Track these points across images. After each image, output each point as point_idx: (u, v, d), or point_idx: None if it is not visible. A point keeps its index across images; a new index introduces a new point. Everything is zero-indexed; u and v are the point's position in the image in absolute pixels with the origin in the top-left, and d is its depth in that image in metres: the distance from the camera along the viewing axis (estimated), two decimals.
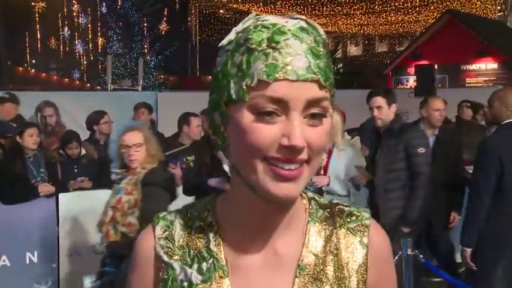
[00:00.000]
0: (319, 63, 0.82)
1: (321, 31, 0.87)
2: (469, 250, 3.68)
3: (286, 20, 0.84)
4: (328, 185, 4.43)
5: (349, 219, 0.97)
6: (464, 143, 5.47)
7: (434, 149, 4.78)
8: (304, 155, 0.82)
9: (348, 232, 0.96)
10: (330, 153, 4.49)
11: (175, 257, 0.94)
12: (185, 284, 0.92)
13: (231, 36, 0.87)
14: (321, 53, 0.83)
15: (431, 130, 5.01)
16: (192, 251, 0.94)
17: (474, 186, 3.78)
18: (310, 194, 0.99)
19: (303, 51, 0.81)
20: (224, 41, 0.88)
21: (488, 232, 3.61)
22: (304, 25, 0.84)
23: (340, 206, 0.99)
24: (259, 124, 0.81)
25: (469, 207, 3.80)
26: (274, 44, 0.81)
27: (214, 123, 0.89)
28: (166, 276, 0.93)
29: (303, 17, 0.86)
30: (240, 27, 0.86)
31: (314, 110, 0.82)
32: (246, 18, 0.87)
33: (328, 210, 0.98)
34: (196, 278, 0.91)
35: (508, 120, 3.71)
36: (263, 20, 0.84)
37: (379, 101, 4.25)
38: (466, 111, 7.15)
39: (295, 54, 0.80)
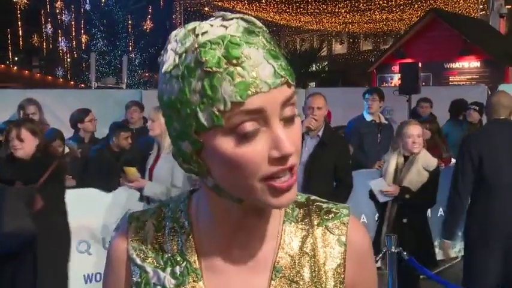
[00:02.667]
0: (281, 63, 0.79)
1: (259, 24, 0.82)
2: (449, 242, 3.90)
3: (223, 23, 0.80)
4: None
5: (327, 217, 0.95)
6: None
7: (314, 152, 4.34)
8: (294, 160, 0.80)
9: (326, 230, 0.94)
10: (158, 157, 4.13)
11: (148, 260, 0.92)
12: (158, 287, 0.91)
13: (172, 59, 0.80)
14: (277, 51, 0.80)
15: (313, 132, 4.42)
16: (165, 254, 0.92)
17: (452, 181, 3.85)
18: None
19: (263, 57, 0.77)
20: (167, 67, 0.80)
21: (475, 226, 3.73)
22: (246, 25, 0.80)
23: (318, 203, 0.97)
24: (242, 147, 0.77)
25: (448, 201, 3.89)
26: (234, 61, 0.76)
27: (183, 152, 0.83)
28: (139, 280, 0.92)
29: (237, 14, 0.82)
30: (179, 47, 0.80)
31: (288, 112, 0.80)
32: (181, 36, 0.80)
33: (305, 208, 0.96)
34: (169, 282, 0.90)
35: (493, 118, 3.87)
36: (203, 34, 0.78)
37: None
38: (473, 115, 6.97)
39: (258, 64, 0.76)
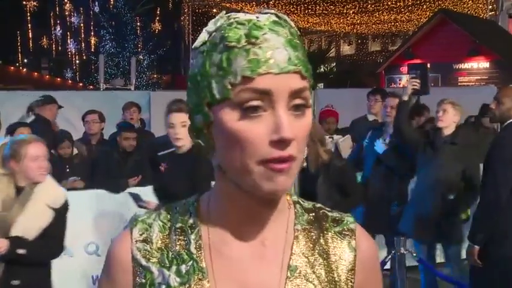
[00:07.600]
0: (298, 54, 0.83)
1: (292, 23, 0.88)
2: (477, 248, 3.52)
3: (257, 15, 0.85)
4: None
5: (334, 224, 0.96)
6: None
7: None
8: (293, 150, 0.81)
9: (336, 236, 0.95)
10: None
11: (153, 260, 0.91)
12: (163, 287, 0.89)
13: (204, 37, 0.87)
14: (298, 44, 0.85)
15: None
16: (170, 253, 0.91)
17: (490, 180, 3.51)
18: (294, 198, 0.98)
19: (281, 44, 0.82)
20: (197, 43, 0.88)
21: (497, 230, 3.47)
22: (276, 19, 0.85)
23: (324, 211, 0.99)
24: (244, 122, 0.81)
25: (482, 202, 3.58)
26: (253, 40, 0.81)
27: (196, 126, 0.88)
28: (144, 281, 0.90)
29: (272, 10, 0.87)
30: (211, 27, 0.87)
31: (297, 101, 0.83)
32: (216, 18, 0.88)
33: (313, 214, 0.97)
34: (174, 280, 0.89)
35: None
36: (235, 18, 0.84)
37: None
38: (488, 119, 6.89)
39: (274, 48, 0.81)
